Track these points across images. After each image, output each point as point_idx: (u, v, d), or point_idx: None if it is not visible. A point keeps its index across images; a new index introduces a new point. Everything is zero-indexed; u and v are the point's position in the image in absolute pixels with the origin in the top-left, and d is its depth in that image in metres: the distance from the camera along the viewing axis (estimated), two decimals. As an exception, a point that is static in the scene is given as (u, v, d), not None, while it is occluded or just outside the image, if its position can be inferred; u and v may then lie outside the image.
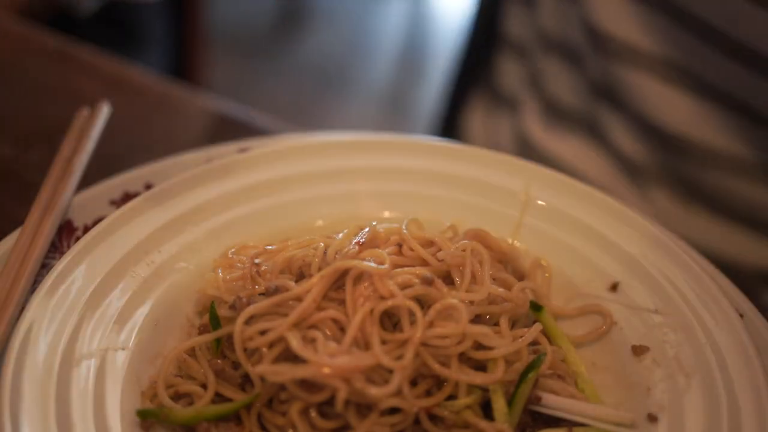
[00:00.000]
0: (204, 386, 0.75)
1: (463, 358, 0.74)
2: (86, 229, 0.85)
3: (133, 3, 1.88)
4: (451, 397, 0.73)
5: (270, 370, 0.70)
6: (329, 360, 0.68)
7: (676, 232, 0.91)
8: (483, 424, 0.71)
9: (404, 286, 0.74)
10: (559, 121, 1.32)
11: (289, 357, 0.70)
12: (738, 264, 1.15)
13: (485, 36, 1.48)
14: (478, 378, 0.72)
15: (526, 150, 1.34)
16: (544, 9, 1.30)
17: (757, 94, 1.07)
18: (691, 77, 1.12)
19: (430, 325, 0.72)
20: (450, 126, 1.56)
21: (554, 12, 1.27)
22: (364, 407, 0.71)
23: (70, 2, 1.51)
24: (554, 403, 0.74)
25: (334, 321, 0.72)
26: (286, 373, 0.69)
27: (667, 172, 1.21)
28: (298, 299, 0.73)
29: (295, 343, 0.70)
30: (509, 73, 1.43)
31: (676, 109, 1.15)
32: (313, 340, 0.71)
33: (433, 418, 0.72)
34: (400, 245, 0.79)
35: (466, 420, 0.72)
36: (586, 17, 1.19)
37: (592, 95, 1.26)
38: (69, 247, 0.83)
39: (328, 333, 0.71)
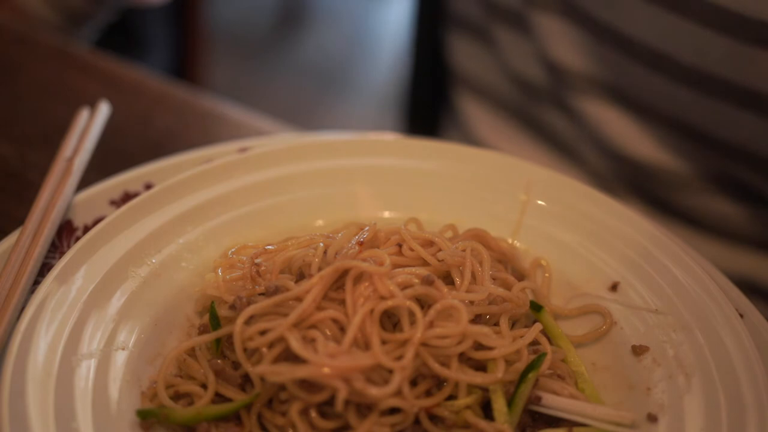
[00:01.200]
0: (204, 386, 0.75)
1: (463, 358, 0.74)
2: (86, 229, 0.85)
3: (139, 7, 1.87)
4: (452, 397, 0.73)
5: (270, 371, 0.70)
6: (329, 360, 0.68)
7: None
8: (483, 424, 0.71)
9: (404, 286, 0.74)
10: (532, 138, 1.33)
11: (289, 357, 0.70)
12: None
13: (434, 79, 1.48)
14: (478, 378, 0.72)
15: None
16: (503, 47, 1.30)
17: (688, 110, 1.09)
18: (629, 97, 1.14)
19: (430, 325, 0.72)
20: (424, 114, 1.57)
21: (513, 49, 1.28)
22: (364, 407, 0.71)
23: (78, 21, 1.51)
24: (554, 403, 0.74)
25: (334, 321, 0.72)
26: (286, 373, 0.69)
27: (637, 188, 1.23)
28: (298, 299, 0.73)
29: (294, 343, 0.70)
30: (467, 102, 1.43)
31: (625, 130, 1.16)
32: (313, 340, 0.70)
33: (434, 418, 0.72)
34: (400, 245, 0.79)
35: (466, 420, 0.72)
36: (542, 52, 1.20)
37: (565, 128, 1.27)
38: (69, 247, 0.83)
39: (328, 333, 0.71)
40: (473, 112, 1.38)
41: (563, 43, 1.17)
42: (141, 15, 2.05)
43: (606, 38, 1.11)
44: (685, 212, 1.21)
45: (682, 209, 1.21)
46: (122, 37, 1.99)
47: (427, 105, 1.52)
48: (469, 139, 1.38)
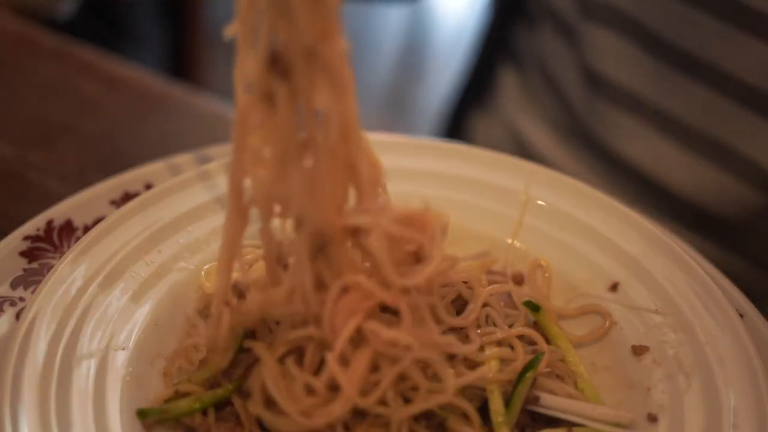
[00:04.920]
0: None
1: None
2: (86, 229, 0.85)
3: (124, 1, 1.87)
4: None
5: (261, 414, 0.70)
6: (305, 420, 0.68)
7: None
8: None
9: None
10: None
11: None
12: None
13: (491, 49, 1.47)
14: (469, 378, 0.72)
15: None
16: (544, 45, 1.29)
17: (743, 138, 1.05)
18: (674, 117, 1.11)
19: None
20: (454, 127, 1.56)
21: (551, 51, 1.27)
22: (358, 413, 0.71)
23: (45, 7, 1.50)
24: (553, 403, 0.74)
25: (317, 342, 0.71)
26: (270, 421, 0.69)
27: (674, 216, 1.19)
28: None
29: (274, 392, 0.69)
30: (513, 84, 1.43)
31: (665, 159, 1.13)
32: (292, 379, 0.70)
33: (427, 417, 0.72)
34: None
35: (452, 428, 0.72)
36: (588, 62, 1.17)
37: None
38: (69, 247, 0.83)
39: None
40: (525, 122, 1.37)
41: (613, 58, 1.13)
42: (141, 15, 2.05)
43: (663, 55, 1.07)
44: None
45: (728, 244, 1.16)
46: (122, 37, 1.99)
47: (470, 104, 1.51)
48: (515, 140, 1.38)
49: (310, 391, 0.69)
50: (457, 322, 0.76)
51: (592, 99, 1.19)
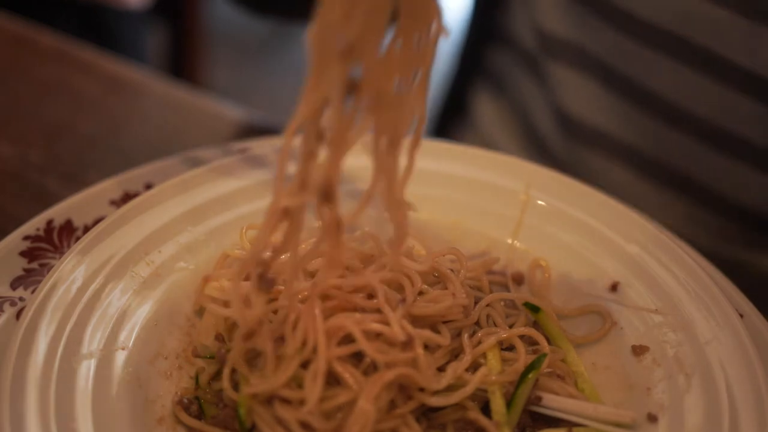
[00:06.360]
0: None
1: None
2: (86, 229, 0.85)
3: (115, 7, 1.87)
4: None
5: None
6: None
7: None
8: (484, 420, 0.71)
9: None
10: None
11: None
12: None
13: (467, 69, 1.47)
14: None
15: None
16: (515, 91, 1.28)
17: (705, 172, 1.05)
18: (641, 152, 1.11)
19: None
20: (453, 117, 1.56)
21: (529, 98, 1.27)
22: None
23: None
24: (554, 403, 0.74)
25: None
26: None
27: None
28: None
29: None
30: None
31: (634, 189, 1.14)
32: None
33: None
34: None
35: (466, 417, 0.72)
36: (557, 100, 1.18)
37: None
38: (69, 247, 0.83)
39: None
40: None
41: (578, 96, 1.14)
42: (141, 15, 2.05)
43: (624, 92, 1.08)
44: None
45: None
46: (122, 37, 1.99)
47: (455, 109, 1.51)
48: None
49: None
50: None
51: (566, 138, 1.20)
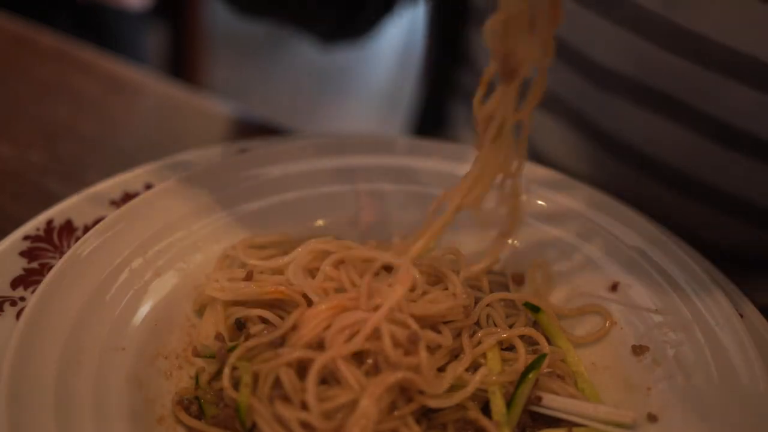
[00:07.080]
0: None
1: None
2: (86, 229, 0.85)
3: (115, 7, 1.88)
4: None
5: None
6: None
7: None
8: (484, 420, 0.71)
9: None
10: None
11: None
12: None
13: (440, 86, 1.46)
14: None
15: None
16: None
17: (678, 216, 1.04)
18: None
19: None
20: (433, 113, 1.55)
21: None
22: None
23: None
24: (554, 403, 0.74)
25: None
26: None
27: None
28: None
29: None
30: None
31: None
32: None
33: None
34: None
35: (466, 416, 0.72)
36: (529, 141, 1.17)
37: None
38: (69, 247, 0.83)
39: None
40: None
41: (550, 138, 1.13)
42: (140, 15, 2.05)
43: (596, 138, 1.07)
44: None
45: None
46: (122, 37, 1.99)
47: (439, 103, 1.50)
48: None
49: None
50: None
51: None
